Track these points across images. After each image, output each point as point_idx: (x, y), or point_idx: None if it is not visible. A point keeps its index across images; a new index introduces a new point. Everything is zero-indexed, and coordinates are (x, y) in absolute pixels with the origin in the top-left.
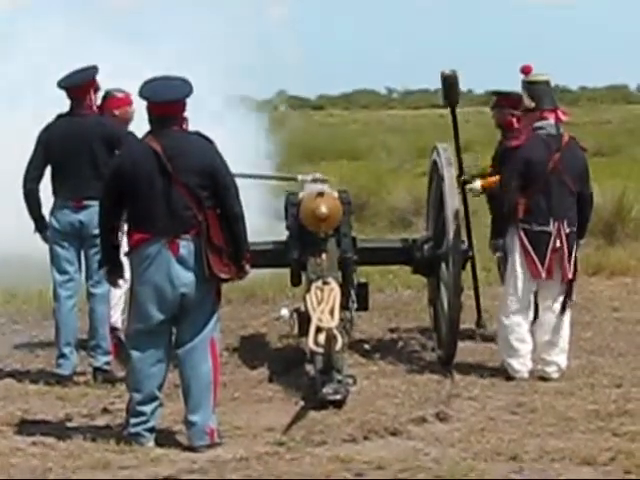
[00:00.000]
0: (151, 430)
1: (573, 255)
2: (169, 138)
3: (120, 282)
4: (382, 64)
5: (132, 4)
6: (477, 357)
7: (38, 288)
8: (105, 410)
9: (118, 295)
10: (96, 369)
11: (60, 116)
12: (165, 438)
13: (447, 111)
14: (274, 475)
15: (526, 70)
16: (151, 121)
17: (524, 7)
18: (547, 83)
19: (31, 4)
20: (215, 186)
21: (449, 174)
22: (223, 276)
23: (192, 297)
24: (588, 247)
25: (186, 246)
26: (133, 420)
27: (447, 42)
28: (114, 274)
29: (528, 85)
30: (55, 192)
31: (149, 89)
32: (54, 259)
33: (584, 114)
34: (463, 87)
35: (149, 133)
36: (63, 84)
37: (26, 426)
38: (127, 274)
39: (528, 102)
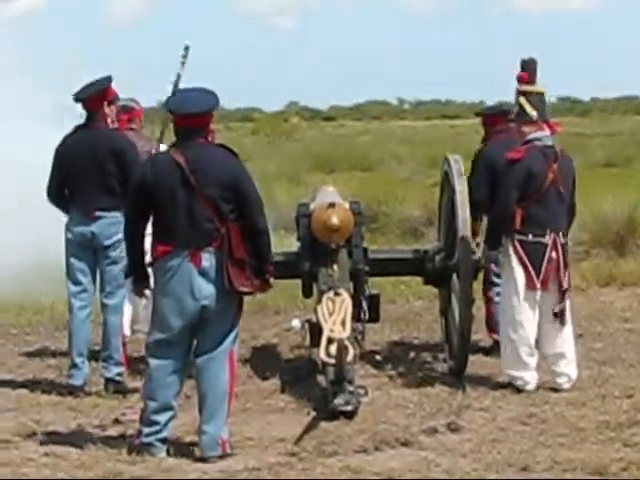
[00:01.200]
0: (164, 441)
1: (567, 264)
2: (193, 150)
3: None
4: (394, 75)
5: None
6: (488, 369)
7: (50, 300)
8: (117, 421)
9: (126, 305)
10: (108, 380)
11: (77, 128)
12: (177, 449)
13: (458, 122)
14: None
15: (521, 78)
16: (176, 133)
17: (535, 16)
18: (542, 94)
19: None
20: (238, 199)
21: (460, 185)
22: (244, 289)
23: (213, 309)
24: (599, 258)
25: (208, 259)
26: (146, 430)
27: (458, 52)
28: (140, 284)
29: (526, 95)
30: (70, 204)
31: (175, 101)
32: (69, 270)
33: (595, 125)
34: (474, 98)
35: (173, 145)
36: (78, 96)
37: (38, 436)
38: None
39: (531, 111)
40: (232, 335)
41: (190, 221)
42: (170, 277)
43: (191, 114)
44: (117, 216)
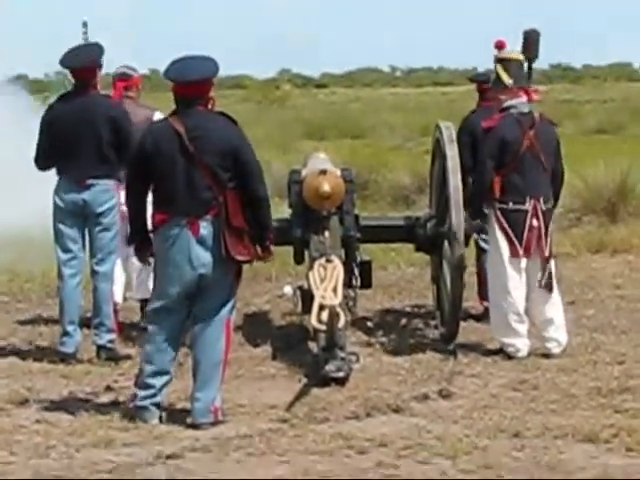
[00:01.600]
0: (157, 405)
1: (549, 231)
2: (193, 118)
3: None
4: (386, 42)
5: None
6: (479, 335)
7: (41, 266)
8: (109, 388)
9: (119, 272)
10: (100, 347)
11: (63, 96)
12: (169, 415)
13: (450, 89)
14: (277, 452)
15: (500, 45)
16: (176, 101)
17: None
18: (520, 62)
19: None
20: (238, 167)
21: (452, 152)
22: (240, 258)
23: (210, 277)
24: (590, 225)
25: (206, 227)
26: (142, 393)
27: (449, 20)
28: (142, 251)
29: (503, 62)
30: (59, 171)
31: (174, 70)
32: (58, 238)
33: (588, 92)
34: (467, 65)
35: (173, 113)
36: (67, 64)
37: (30, 404)
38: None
39: (506, 78)
40: (229, 304)
41: (189, 189)
42: (169, 245)
43: (191, 81)
44: (109, 184)
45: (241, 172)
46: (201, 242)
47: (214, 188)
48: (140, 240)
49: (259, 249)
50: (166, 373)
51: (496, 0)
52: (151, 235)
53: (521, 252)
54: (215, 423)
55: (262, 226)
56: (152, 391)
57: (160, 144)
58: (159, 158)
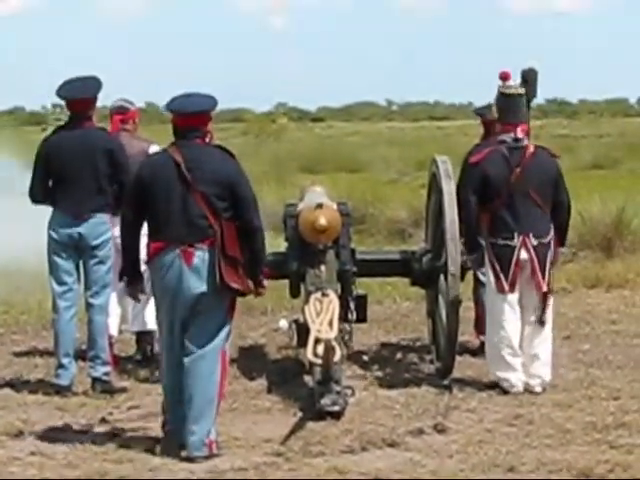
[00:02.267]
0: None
1: (548, 267)
2: (191, 149)
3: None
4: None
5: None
6: (475, 370)
7: (37, 298)
8: (103, 420)
9: (114, 305)
10: (95, 379)
11: (60, 128)
12: (163, 448)
13: (446, 123)
14: None
15: (504, 76)
16: (175, 133)
17: (525, 18)
18: (521, 96)
19: None
20: (234, 198)
21: (448, 187)
22: (234, 286)
23: (203, 307)
24: (586, 260)
25: (200, 256)
26: (170, 419)
27: (446, 54)
28: (133, 285)
29: (501, 96)
30: (53, 204)
31: (175, 103)
32: (53, 270)
33: (584, 127)
34: (463, 99)
35: (172, 144)
36: (64, 94)
37: (25, 436)
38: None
39: (495, 112)
40: (223, 334)
41: (184, 217)
42: (164, 274)
43: (190, 113)
44: (104, 217)
45: (237, 204)
46: (194, 271)
47: (210, 217)
48: (132, 274)
49: (252, 283)
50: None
51: (492, 36)
52: (144, 267)
53: (506, 287)
54: (210, 456)
55: (256, 258)
56: (180, 417)
57: (158, 173)
58: (156, 187)
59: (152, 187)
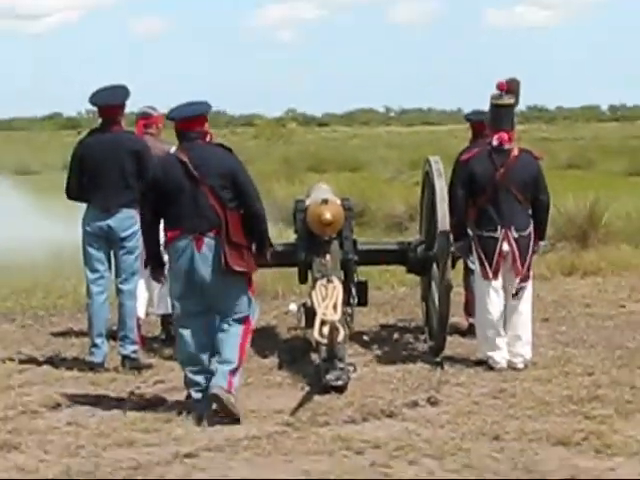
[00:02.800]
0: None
1: (528, 256)
2: (195, 149)
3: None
4: (380, 85)
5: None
6: (464, 349)
7: (73, 284)
8: (132, 394)
9: (142, 290)
10: (124, 357)
11: (93, 131)
12: (185, 419)
13: (438, 128)
14: (282, 452)
15: (502, 87)
16: (179, 137)
17: (506, 31)
18: (511, 106)
19: None
20: (236, 188)
21: (440, 184)
22: (238, 269)
23: (214, 286)
24: (563, 250)
25: (208, 243)
26: (193, 390)
27: (438, 66)
28: (157, 271)
29: (494, 106)
30: (87, 200)
31: (175, 112)
32: (86, 259)
33: (560, 131)
34: (453, 106)
35: (178, 147)
36: (96, 101)
37: (61, 407)
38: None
39: (494, 120)
40: (243, 305)
41: (195, 209)
42: (178, 258)
43: (186, 117)
44: (132, 211)
45: (239, 191)
46: (203, 256)
47: (217, 208)
48: (155, 264)
49: (256, 255)
50: (206, 370)
51: (480, 48)
52: (164, 252)
53: (490, 275)
54: (227, 392)
55: (260, 239)
56: (200, 387)
57: (169, 174)
58: (169, 184)
59: (165, 186)
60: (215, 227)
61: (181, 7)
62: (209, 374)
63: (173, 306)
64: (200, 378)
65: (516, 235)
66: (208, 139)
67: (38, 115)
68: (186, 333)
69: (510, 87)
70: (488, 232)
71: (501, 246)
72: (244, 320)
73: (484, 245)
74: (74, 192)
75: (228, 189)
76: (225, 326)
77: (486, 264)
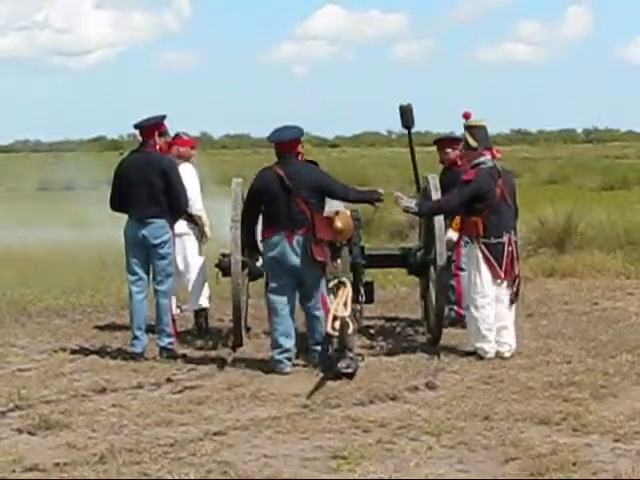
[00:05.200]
0: (289, 359)
1: (518, 257)
2: (290, 166)
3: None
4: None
5: None
6: (457, 340)
7: (116, 285)
8: (169, 380)
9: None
10: (162, 348)
11: (132, 152)
12: (215, 401)
13: (434, 148)
14: (300, 430)
15: (466, 115)
16: (277, 155)
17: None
18: (484, 127)
19: None
20: (323, 192)
21: (436, 197)
22: (319, 259)
23: (302, 272)
24: (544, 255)
25: (297, 239)
26: (276, 352)
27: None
28: (252, 254)
29: (470, 129)
30: (127, 211)
31: (275, 135)
32: (127, 264)
33: (541, 151)
34: (446, 130)
35: (276, 163)
36: (137, 125)
37: (107, 392)
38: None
39: (472, 142)
40: (322, 286)
41: (288, 214)
42: (272, 249)
43: (284, 141)
44: (163, 222)
45: (327, 193)
46: (293, 248)
47: (306, 212)
48: (252, 249)
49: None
50: (289, 335)
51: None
52: (260, 245)
53: (502, 275)
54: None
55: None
56: (283, 348)
57: (267, 185)
58: (267, 195)
59: (264, 195)
60: (303, 226)
61: (207, 44)
62: (290, 338)
63: (266, 284)
64: (284, 341)
65: (515, 239)
66: (300, 157)
67: (85, 138)
68: (277, 303)
69: (404, 111)
70: (496, 239)
71: (508, 249)
72: (322, 298)
73: (494, 251)
74: (114, 205)
75: (315, 197)
76: (317, 312)
77: (496, 266)
